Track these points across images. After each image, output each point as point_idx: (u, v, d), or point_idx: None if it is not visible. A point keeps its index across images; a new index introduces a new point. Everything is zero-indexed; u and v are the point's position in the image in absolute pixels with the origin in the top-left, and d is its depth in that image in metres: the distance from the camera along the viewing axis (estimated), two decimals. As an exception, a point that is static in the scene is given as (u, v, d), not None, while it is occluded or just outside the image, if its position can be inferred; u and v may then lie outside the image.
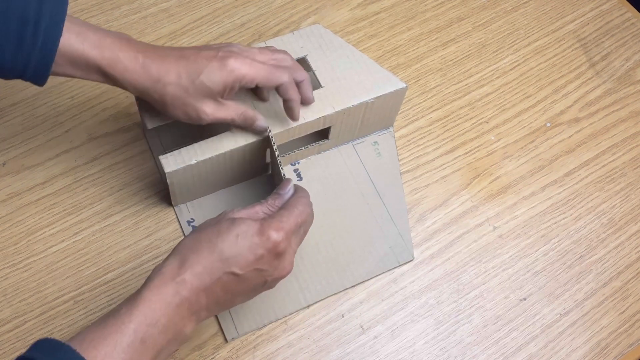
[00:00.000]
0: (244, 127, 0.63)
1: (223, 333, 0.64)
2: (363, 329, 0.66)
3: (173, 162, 0.62)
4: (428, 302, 0.68)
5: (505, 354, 0.66)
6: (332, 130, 0.70)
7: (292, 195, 0.57)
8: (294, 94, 0.61)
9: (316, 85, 0.67)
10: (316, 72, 0.68)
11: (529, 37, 0.86)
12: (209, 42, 0.81)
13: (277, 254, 0.53)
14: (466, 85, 0.81)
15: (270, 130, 0.64)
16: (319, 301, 0.66)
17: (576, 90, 0.82)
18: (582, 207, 0.74)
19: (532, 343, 0.66)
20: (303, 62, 0.69)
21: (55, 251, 0.66)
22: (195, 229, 0.54)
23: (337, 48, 0.70)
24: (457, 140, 0.77)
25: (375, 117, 0.72)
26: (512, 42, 0.85)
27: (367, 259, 0.68)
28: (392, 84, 0.69)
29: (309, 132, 0.68)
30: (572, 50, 0.85)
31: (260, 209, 0.55)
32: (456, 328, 0.66)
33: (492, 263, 0.70)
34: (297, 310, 0.66)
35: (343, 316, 0.66)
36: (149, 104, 0.63)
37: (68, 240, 0.67)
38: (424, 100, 0.79)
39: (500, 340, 0.66)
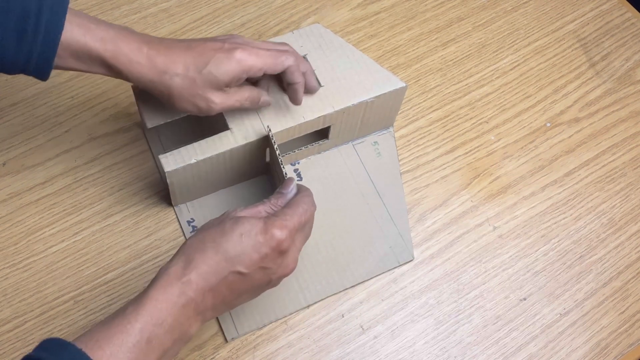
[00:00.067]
0: (252, 108, 0.63)
1: (223, 333, 0.64)
2: (363, 329, 0.66)
3: (173, 161, 0.62)
4: (428, 302, 0.67)
5: (505, 354, 0.66)
6: (332, 129, 0.70)
7: (296, 194, 0.57)
8: (299, 77, 0.62)
9: (314, 81, 0.67)
10: (316, 72, 0.68)
11: (529, 37, 0.86)
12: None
13: (281, 252, 0.53)
14: (466, 85, 0.81)
15: (270, 130, 0.64)
16: (319, 301, 0.66)
17: (576, 90, 0.82)
18: (582, 207, 0.74)
19: (532, 343, 0.66)
20: (303, 62, 0.69)
21: (55, 251, 0.66)
22: (199, 229, 0.54)
23: (337, 48, 0.70)
24: (457, 140, 0.77)
25: (375, 116, 0.72)
26: (512, 42, 0.85)
27: (367, 259, 0.68)
28: (392, 83, 0.69)
29: (308, 132, 0.68)
30: (572, 50, 0.85)
31: (263, 209, 0.55)
32: (456, 328, 0.66)
33: (492, 263, 0.70)
34: (297, 310, 0.66)
35: (343, 316, 0.66)
36: (149, 103, 0.64)
37: (68, 240, 0.67)
38: (424, 100, 0.79)
39: (500, 340, 0.66)
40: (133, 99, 0.74)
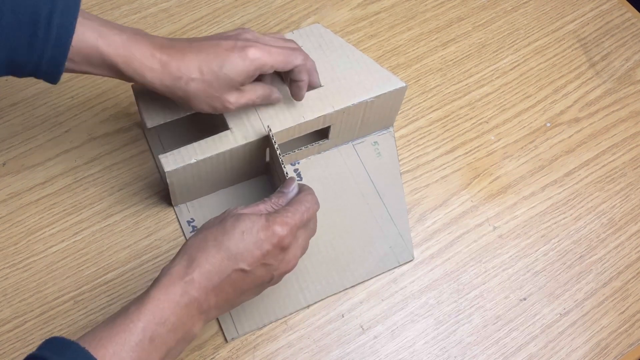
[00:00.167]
0: (263, 104, 0.64)
1: (223, 333, 0.64)
2: (363, 329, 0.66)
3: (173, 161, 0.62)
4: (428, 302, 0.67)
5: (505, 354, 0.66)
6: (332, 129, 0.70)
7: (299, 192, 0.57)
8: (305, 75, 0.63)
9: (317, 78, 0.67)
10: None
11: (529, 37, 0.86)
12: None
13: (282, 248, 0.53)
14: (466, 85, 0.81)
15: (270, 130, 0.64)
16: (319, 301, 0.66)
17: (576, 90, 0.82)
18: (582, 207, 0.74)
19: (532, 343, 0.66)
20: (303, 62, 0.69)
21: (55, 251, 0.66)
22: (201, 228, 0.54)
23: (337, 48, 0.70)
24: (457, 140, 0.77)
25: (375, 116, 0.72)
26: (512, 42, 0.85)
27: (367, 259, 0.68)
28: (392, 83, 0.69)
29: (308, 132, 0.68)
30: (572, 50, 0.85)
31: (264, 207, 0.56)
32: (456, 328, 0.66)
33: (492, 263, 0.70)
34: (297, 310, 0.66)
35: (343, 316, 0.66)
36: (149, 103, 0.64)
37: (68, 240, 0.67)
38: (424, 100, 0.79)
39: (500, 340, 0.66)
40: (133, 99, 0.74)
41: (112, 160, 0.72)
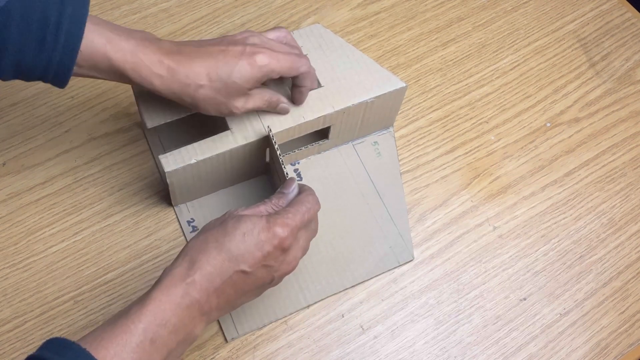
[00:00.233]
0: (269, 111, 0.64)
1: (223, 333, 0.64)
2: (363, 329, 0.66)
3: (173, 161, 0.62)
4: (428, 302, 0.67)
5: (505, 354, 0.66)
6: (332, 130, 0.70)
7: (299, 193, 0.57)
8: (309, 82, 0.64)
9: (316, 84, 0.67)
10: (316, 72, 0.68)
11: (529, 37, 0.86)
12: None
13: (283, 249, 0.53)
14: (466, 85, 0.81)
15: (270, 130, 0.64)
16: (319, 301, 0.66)
17: (576, 90, 0.82)
18: (582, 207, 0.74)
19: (532, 343, 0.66)
20: (303, 62, 0.69)
21: (55, 251, 0.66)
22: (202, 230, 0.54)
23: (337, 48, 0.70)
24: (457, 140, 0.77)
25: (375, 116, 0.72)
26: (512, 42, 0.85)
27: (367, 259, 0.68)
28: (392, 83, 0.69)
29: (308, 132, 0.68)
30: (572, 50, 0.85)
31: (264, 209, 0.56)
32: (456, 328, 0.66)
33: (492, 263, 0.70)
34: (297, 310, 0.66)
35: (343, 316, 0.66)
36: (149, 103, 0.64)
37: (68, 240, 0.67)
38: (424, 100, 0.79)
39: (500, 340, 0.66)
40: (133, 99, 0.74)
41: (112, 160, 0.72)
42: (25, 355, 0.60)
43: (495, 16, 0.87)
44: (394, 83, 0.69)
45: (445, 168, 0.75)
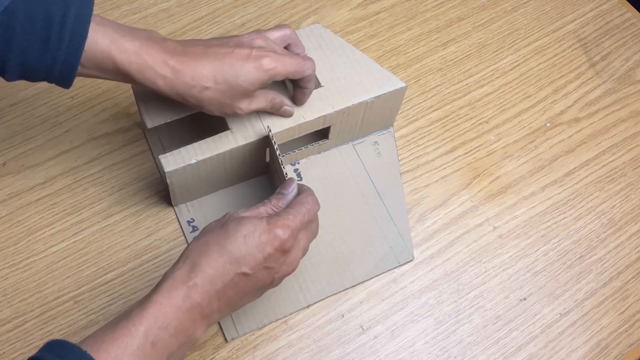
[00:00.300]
0: (273, 112, 0.64)
1: (223, 333, 0.64)
2: (363, 329, 0.66)
3: (173, 161, 0.62)
4: (428, 302, 0.67)
5: (505, 354, 0.66)
6: (332, 129, 0.70)
7: (299, 194, 0.57)
8: (313, 84, 0.64)
9: (316, 84, 0.67)
10: (316, 72, 0.68)
11: (529, 37, 0.86)
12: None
13: (284, 251, 0.53)
14: (466, 85, 0.81)
15: (270, 130, 0.64)
16: (319, 301, 0.66)
17: (576, 90, 0.82)
18: (582, 207, 0.74)
19: (532, 343, 0.66)
20: (303, 62, 0.69)
21: (55, 251, 0.66)
22: (202, 232, 0.54)
23: (337, 48, 0.70)
24: (457, 140, 0.77)
25: (375, 116, 0.72)
26: (512, 42, 0.85)
27: (367, 259, 0.68)
28: (392, 83, 0.69)
29: (308, 132, 0.68)
30: (572, 50, 0.85)
31: (264, 210, 0.55)
32: (456, 328, 0.66)
33: (492, 263, 0.70)
34: (297, 310, 0.66)
35: (343, 316, 0.66)
36: (149, 103, 0.64)
37: (68, 240, 0.67)
38: (424, 100, 0.79)
39: (500, 340, 0.66)
40: (133, 99, 0.74)
41: (112, 160, 0.72)
42: (25, 356, 0.60)
43: (495, 16, 0.87)
44: (394, 83, 0.69)
45: (445, 168, 0.75)
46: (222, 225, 0.53)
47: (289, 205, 0.56)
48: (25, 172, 0.70)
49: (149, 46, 0.55)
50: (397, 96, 0.70)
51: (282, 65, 0.59)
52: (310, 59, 0.63)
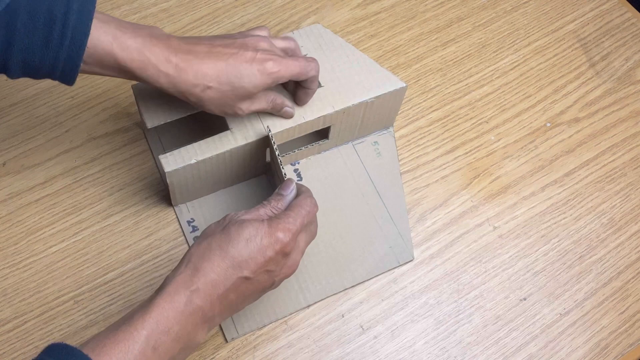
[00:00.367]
0: (273, 113, 0.64)
1: (223, 333, 0.64)
2: (363, 329, 0.66)
3: (173, 161, 0.62)
4: (428, 302, 0.67)
5: (505, 354, 0.66)
6: (332, 129, 0.70)
7: (297, 195, 0.57)
8: (316, 85, 0.64)
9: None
10: (316, 72, 0.68)
11: (529, 37, 0.86)
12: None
13: (284, 254, 0.53)
14: (466, 85, 0.81)
15: (270, 130, 0.64)
16: (319, 301, 0.66)
17: (576, 90, 0.82)
18: (582, 207, 0.74)
19: (532, 343, 0.66)
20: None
21: (55, 251, 0.66)
22: (203, 235, 0.54)
23: (337, 48, 0.70)
24: (457, 140, 0.77)
25: (375, 116, 0.72)
26: (512, 42, 0.85)
27: (367, 259, 0.68)
28: (392, 83, 0.69)
29: (308, 132, 0.68)
30: (572, 50, 0.85)
31: (264, 212, 0.55)
32: (456, 328, 0.66)
33: (492, 263, 0.70)
34: (297, 310, 0.66)
35: (343, 316, 0.66)
36: (149, 103, 0.64)
37: (68, 240, 0.67)
38: (424, 100, 0.79)
39: (500, 340, 0.66)
40: (133, 99, 0.74)
41: (112, 160, 0.72)
42: (25, 356, 0.61)
43: (495, 16, 0.87)
44: (394, 83, 0.69)
45: (445, 168, 0.75)
46: (224, 228, 0.53)
47: (289, 208, 0.56)
48: (25, 172, 0.70)
49: (152, 43, 0.55)
50: (397, 96, 0.70)
51: (286, 69, 0.59)
52: (313, 59, 0.63)
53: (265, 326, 0.65)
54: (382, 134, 0.76)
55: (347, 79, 0.68)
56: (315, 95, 0.66)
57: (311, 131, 0.68)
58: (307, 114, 0.66)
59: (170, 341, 0.48)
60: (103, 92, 0.76)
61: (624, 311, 0.69)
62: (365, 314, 0.66)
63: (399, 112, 0.77)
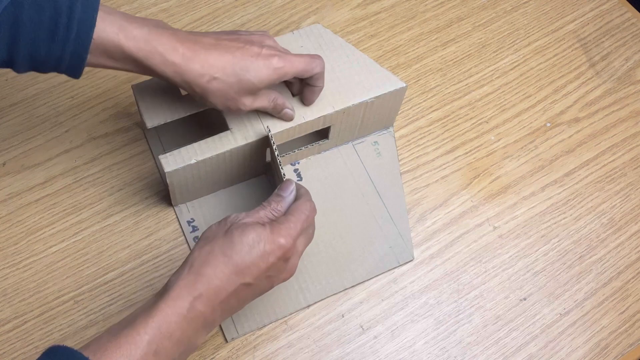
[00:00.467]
0: (273, 114, 0.64)
1: (223, 333, 0.64)
2: (363, 329, 0.66)
3: (173, 161, 0.62)
4: (428, 302, 0.67)
5: (505, 354, 0.66)
6: (332, 130, 0.70)
7: (297, 198, 0.57)
8: (322, 82, 0.64)
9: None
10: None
11: (529, 37, 0.86)
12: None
13: (285, 259, 0.53)
14: (466, 85, 0.81)
15: (270, 130, 0.64)
16: (319, 301, 0.66)
17: (576, 90, 0.82)
18: (582, 207, 0.74)
19: (532, 343, 0.66)
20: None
21: (55, 251, 0.66)
22: (205, 239, 0.53)
23: (337, 48, 0.70)
24: (457, 140, 0.77)
25: (375, 116, 0.72)
26: (512, 42, 0.85)
27: (367, 259, 0.68)
28: (392, 83, 0.69)
29: (308, 132, 0.68)
30: (572, 50, 0.85)
31: (264, 214, 0.55)
32: (456, 328, 0.66)
33: (492, 263, 0.70)
34: (297, 310, 0.66)
35: (343, 316, 0.66)
36: (149, 103, 0.64)
37: (68, 240, 0.67)
38: (424, 100, 0.79)
39: (500, 340, 0.66)
40: (133, 99, 0.74)
41: (112, 160, 0.72)
42: (25, 356, 0.61)
43: (495, 16, 0.87)
44: (394, 83, 0.69)
45: (445, 168, 0.75)
46: (226, 232, 0.52)
47: (289, 212, 0.55)
48: (25, 172, 0.70)
49: (159, 33, 0.55)
50: (397, 96, 0.70)
51: (291, 65, 0.59)
52: (318, 56, 0.62)
53: (265, 326, 0.65)
54: (382, 134, 0.76)
55: (347, 79, 0.68)
56: (315, 95, 0.66)
57: (311, 131, 0.68)
58: (307, 114, 0.66)
59: (171, 345, 0.48)
60: (103, 92, 0.76)
61: (624, 311, 0.69)
62: (365, 314, 0.66)
63: (399, 112, 0.77)
